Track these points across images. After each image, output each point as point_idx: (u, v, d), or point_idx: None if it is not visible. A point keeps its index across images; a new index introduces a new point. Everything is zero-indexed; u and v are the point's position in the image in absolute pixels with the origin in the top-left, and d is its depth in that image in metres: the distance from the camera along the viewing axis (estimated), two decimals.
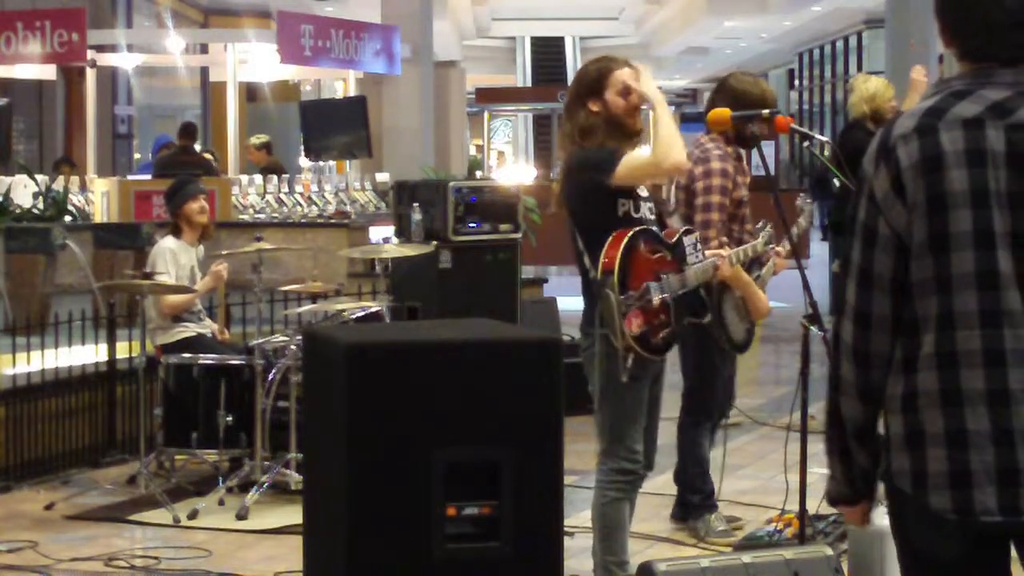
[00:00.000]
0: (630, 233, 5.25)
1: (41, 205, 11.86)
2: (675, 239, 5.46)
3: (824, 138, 6.34)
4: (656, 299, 5.30)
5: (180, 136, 15.30)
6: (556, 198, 5.48)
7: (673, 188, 6.58)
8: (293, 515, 6.50)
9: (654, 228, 5.39)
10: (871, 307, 2.96)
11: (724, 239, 6.28)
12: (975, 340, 2.85)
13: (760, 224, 6.48)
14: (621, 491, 5.41)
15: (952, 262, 2.86)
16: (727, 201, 6.42)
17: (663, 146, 5.26)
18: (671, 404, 8.94)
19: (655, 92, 5.37)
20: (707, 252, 5.67)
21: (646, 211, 5.39)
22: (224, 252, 9.28)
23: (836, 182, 7.84)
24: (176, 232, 8.27)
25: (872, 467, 3.03)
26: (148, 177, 14.43)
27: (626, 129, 5.37)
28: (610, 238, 5.25)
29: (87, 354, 8.56)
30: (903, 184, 2.90)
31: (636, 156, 5.31)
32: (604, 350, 5.26)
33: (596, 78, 5.41)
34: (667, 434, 8.73)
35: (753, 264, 6.52)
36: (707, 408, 6.73)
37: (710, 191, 6.39)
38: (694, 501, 6.72)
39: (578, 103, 5.40)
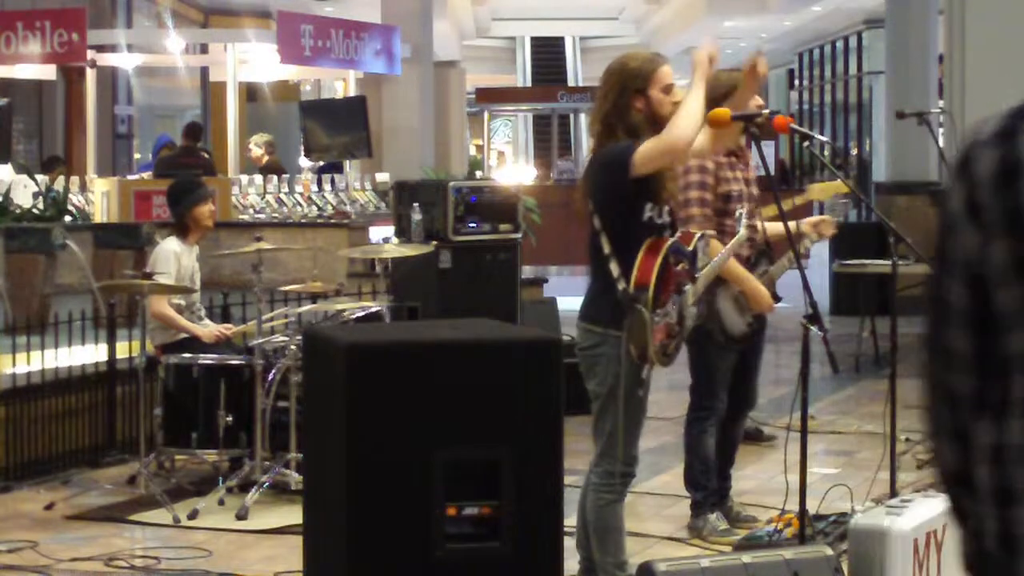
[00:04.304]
0: (664, 248, 5.24)
1: (41, 205, 11.86)
2: (692, 246, 5.48)
3: (824, 138, 6.34)
4: (675, 315, 5.36)
5: (184, 136, 15.30)
6: (579, 192, 5.43)
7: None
8: (293, 515, 6.49)
9: (676, 237, 5.38)
10: (948, 342, 2.45)
11: (711, 232, 6.26)
12: None
13: (738, 215, 6.50)
14: (617, 493, 5.41)
15: None
16: (707, 196, 6.46)
17: (671, 124, 5.18)
18: (673, 404, 8.96)
19: (699, 74, 5.29)
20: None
21: (666, 215, 5.39)
22: (224, 252, 9.28)
23: None
24: (180, 233, 8.23)
25: None
26: (148, 176, 14.44)
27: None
28: (643, 250, 5.22)
29: (87, 354, 8.55)
30: (977, 202, 2.39)
31: (648, 142, 5.21)
32: (620, 357, 5.23)
33: (642, 73, 5.35)
34: (669, 434, 8.75)
35: (761, 258, 6.54)
36: (711, 404, 6.72)
37: (688, 187, 6.45)
38: (697, 498, 6.73)
39: (621, 95, 5.33)
